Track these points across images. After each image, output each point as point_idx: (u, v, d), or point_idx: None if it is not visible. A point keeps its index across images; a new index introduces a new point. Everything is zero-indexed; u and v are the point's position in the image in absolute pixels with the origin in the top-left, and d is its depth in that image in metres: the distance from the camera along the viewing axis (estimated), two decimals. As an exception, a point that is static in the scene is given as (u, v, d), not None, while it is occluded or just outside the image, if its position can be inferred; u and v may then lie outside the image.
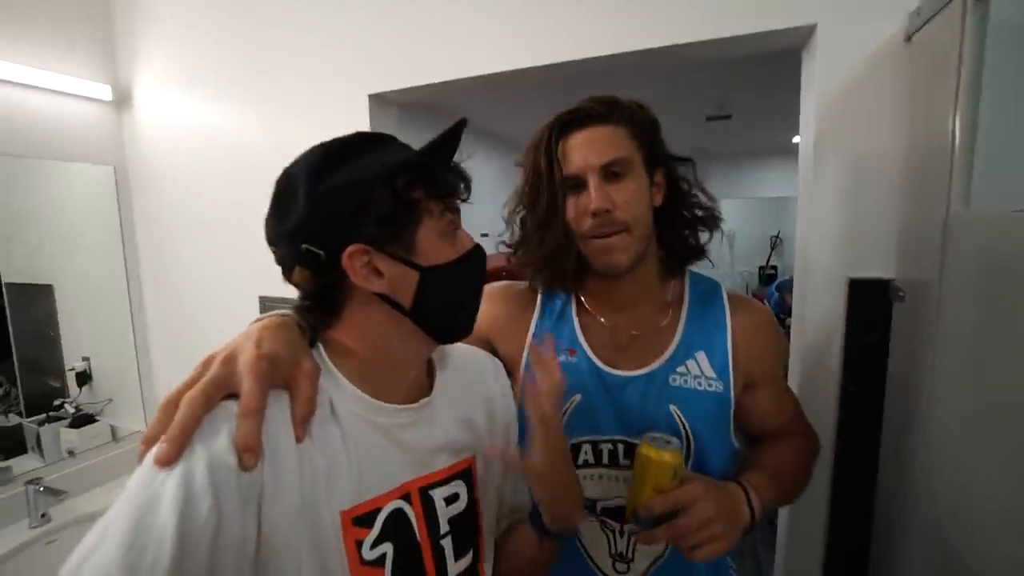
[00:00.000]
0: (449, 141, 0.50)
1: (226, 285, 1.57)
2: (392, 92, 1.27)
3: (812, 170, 0.93)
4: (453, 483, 0.56)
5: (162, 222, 1.68)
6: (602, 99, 0.68)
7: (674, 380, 0.67)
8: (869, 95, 0.88)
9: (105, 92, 1.60)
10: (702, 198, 0.73)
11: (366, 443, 0.49)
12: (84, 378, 1.71)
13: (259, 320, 0.51)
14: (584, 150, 0.65)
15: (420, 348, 0.54)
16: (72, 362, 1.67)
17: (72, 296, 1.65)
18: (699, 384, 0.67)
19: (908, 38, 0.83)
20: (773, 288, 4.24)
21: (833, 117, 0.91)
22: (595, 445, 0.68)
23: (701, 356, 0.68)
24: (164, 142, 1.62)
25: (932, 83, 0.77)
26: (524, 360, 0.71)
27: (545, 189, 0.67)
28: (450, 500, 0.55)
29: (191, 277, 1.65)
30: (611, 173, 0.65)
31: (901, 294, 0.82)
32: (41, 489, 1.41)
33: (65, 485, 1.50)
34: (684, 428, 0.66)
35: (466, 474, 0.58)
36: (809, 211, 0.95)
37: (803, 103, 0.99)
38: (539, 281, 0.74)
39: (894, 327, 0.86)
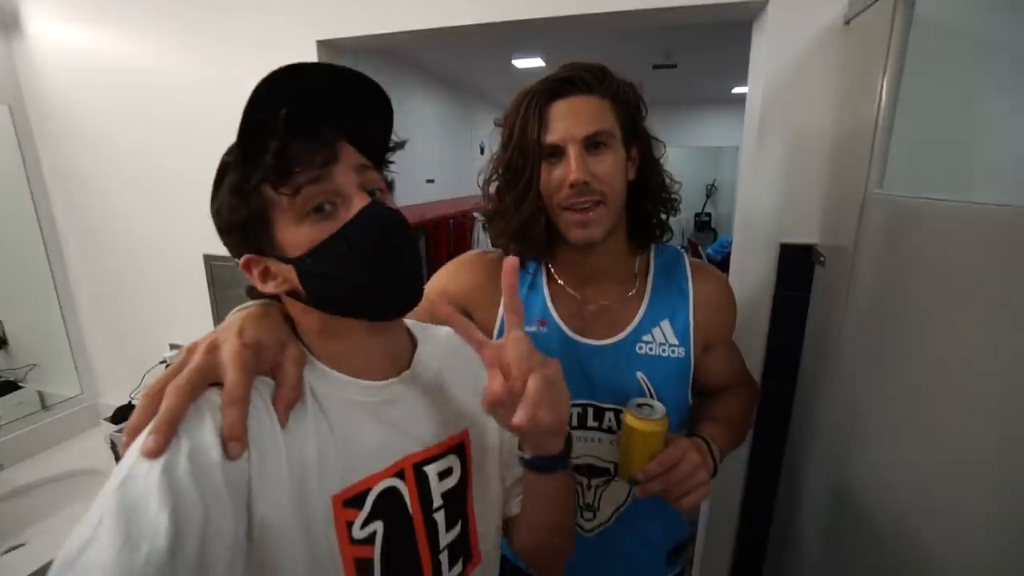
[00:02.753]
0: (274, 105, 0.43)
1: (165, 242, 1.46)
2: (342, 39, 1.19)
3: (755, 143, 1.01)
4: (447, 457, 0.55)
5: (80, 171, 1.50)
6: (589, 68, 0.67)
7: (640, 348, 0.73)
8: (810, 72, 0.95)
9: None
10: (666, 179, 0.75)
11: (352, 424, 0.49)
12: (-2, 343, 1.57)
13: (241, 309, 0.51)
14: (567, 120, 0.65)
15: (362, 330, 0.50)
16: (-20, 327, 1.52)
17: (-29, 255, 1.47)
18: (663, 351, 0.73)
19: (847, 22, 0.89)
20: (711, 250, 5.10)
21: (777, 89, 0.98)
22: None
23: (665, 324, 0.73)
24: (74, 80, 1.42)
25: (863, 68, 0.85)
26: (497, 328, 0.75)
27: (524, 156, 0.67)
28: (444, 475, 0.55)
29: (122, 232, 1.52)
30: (592, 144, 0.65)
31: (822, 259, 0.94)
32: (-33, 462, 1.33)
33: (-5, 457, 1.41)
34: (650, 392, 0.72)
35: (459, 448, 0.57)
36: (750, 182, 1.04)
37: (751, 73, 1.05)
38: (511, 252, 0.75)
39: (814, 287, 0.99)
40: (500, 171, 0.72)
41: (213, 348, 0.44)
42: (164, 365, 1.52)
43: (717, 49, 3.09)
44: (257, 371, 0.45)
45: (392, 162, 0.56)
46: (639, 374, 0.72)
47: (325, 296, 0.48)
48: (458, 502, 0.57)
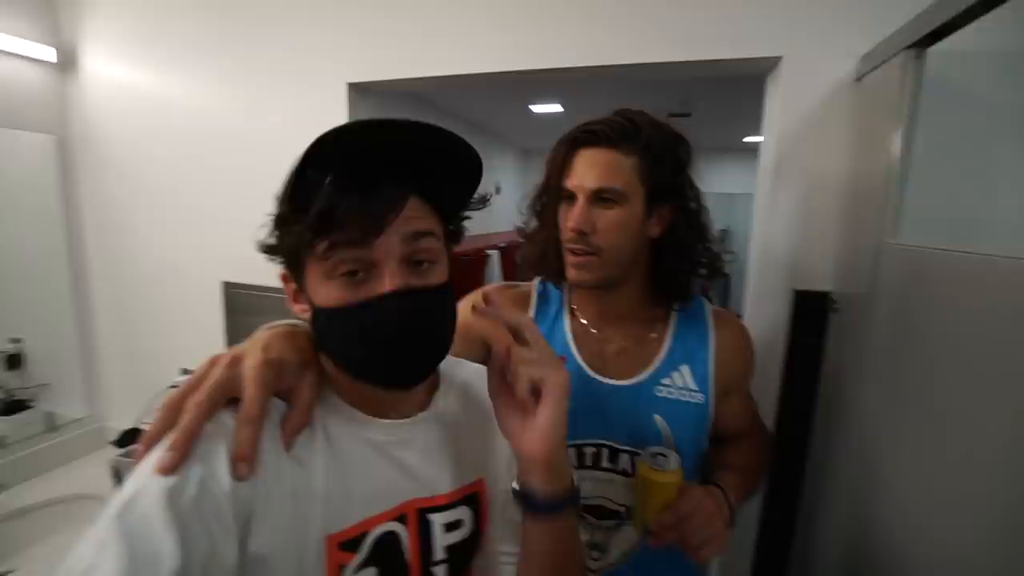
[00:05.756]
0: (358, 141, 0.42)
1: (186, 269, 1.51)
2: (372, 83, 1.26)
3: (769, 192, 1.03)
4: (457, 509, 0.52)
5: (113, 199, 1.57)
6: (620, 122, 0.68)
7: (659, 391, 0.72)
8: (823, 124, 0.97)
9: (48, 54, 1.46)
10: (707, 243, 0.74)
11: (360, 462, 0.47)
12: (15, 361, 1.59)
13: (271, 327, 0.50)
14: (583, 169, 0.68)
15: None
16: (1, 344, 1.55)
17: (1, 273, 1.52)
18: (682, 395, 0.72)
19: (859, 78, 0.93)
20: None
21: (790, 141, 1.00)
22: (579, 449, 0.72)
23: (685, 369, 0.73)
24: (115, 113, 1.51)
25: (875, 122, 0.87)
26: None
27: (548, 193, 0.73)
28: (452, 527, 0.51)
29: (148, 259, 1.57)
30: (601, 199, 0.67)
31: (836, 306, 0.94)
32: (-31, 481, 1.33)
33: (-1, 476, 1.41)
34: (667, 436, 0.71)
35: (472, 500, 0.53)
36: (764, 227, 1.05)
37: (765, 126, 1.08)
38: (532, 274, 0.81)
39: (829, 333, 0.98)
40: (532, 201, 0.78)
41: (236, 362, 0.44)
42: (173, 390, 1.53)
43: (730, 99, 3.19)
44: (276, 390, 0.44)
45: (468, 217, 0.53)
46: (657, 417, 0.72)
47: (332, 352, 0.47)
48: (464, 559, 0.53)
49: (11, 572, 1.22)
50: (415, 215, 0.45)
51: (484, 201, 0.52)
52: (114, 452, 1.47)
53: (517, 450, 0.47)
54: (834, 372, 0.96)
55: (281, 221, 0.45)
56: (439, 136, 0.44)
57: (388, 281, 0.43)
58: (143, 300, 1.60)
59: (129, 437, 1.53)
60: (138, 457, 0.40)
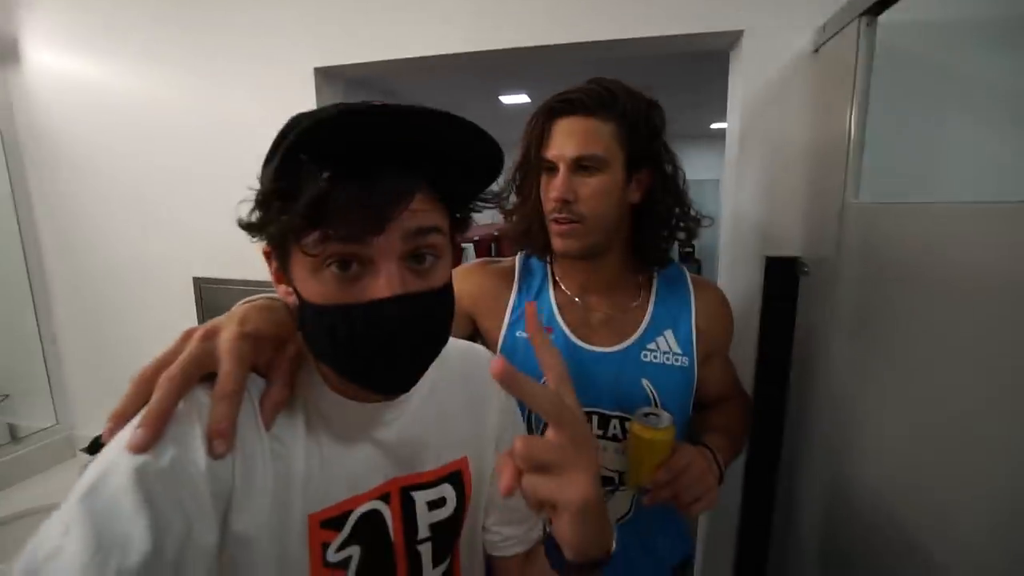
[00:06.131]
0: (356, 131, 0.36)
1: (153, 267, 1.45)
2: (340, 67, 1.23)
3: (736, 162, 1.06)
4: (440, 486, 0.51)
5: (68, 197, 1.50)
6: (596, 89, 0.68)
7: (645, 356, 0.74)
8: (784, 95, 1.01)
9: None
10: (684, 207, 0.75)
11: (342, 442, 0.46)
12: (-31, 374, 1.51)
13: (249, 300, 0.48)
14: (562, 138, 0.68)
15: None
16: (-49, 355, 1.47)
17: (-49, 281, 1.44)
18: (667, 359, 0.74)
19: (816, 49, 0.96)
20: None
21: (754, 113, 1.04)
22: None
23: (669, 333, 0.75)
24: (65, 106, 1.44)
25: (833, 90, 0.91)
26: (503, 337, 0.76)
27: (528, 166, 0.73)
28: (435, 504, 0.51)
29: (110, 258, 1.50)
30: (582, 166, 0.68)
31: (806, 269, 0.98)
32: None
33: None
34: (655, 399, 0.73)
35: (455, 478, 0.53)
36: (734, 198, 1.08)
37: (730, 99, 1.11)
38: (517, 249, 0.81)
39: (800, 296, 1.03)
40: (513, 175, 0.77)
41: (211, 335, 0.41)
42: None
43: (695, 85, 3.26)
44: (253, 364, 0.42)
45: (478, 210, 0.49)
46: (644, 381, 0.73)
47: (315, 348, 0.43)
48: (449, 536, 0.53)
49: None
50: (421, 208, 0.40)
51: (498, 197, 0.49)
52: (85, 459, 1.42)
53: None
54: (806, 334, 1.01)
55: (265, 203, 0.39)
56: (458, 127, 0.39)
57: (385, 284, 0.39)
58: (108, 301, 1.54)
59: (100, 444, 1.47)
60: (107, 435, 0.38)
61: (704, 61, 1.63)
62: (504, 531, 0.57)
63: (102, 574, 0.31)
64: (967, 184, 0.84)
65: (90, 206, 1.49)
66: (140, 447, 0.35)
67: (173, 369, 0.39)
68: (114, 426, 0.38)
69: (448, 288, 0.44)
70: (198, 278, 1.40)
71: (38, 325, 1.58)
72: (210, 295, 1.42)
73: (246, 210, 0.41)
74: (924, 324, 0.64)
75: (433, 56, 1.17)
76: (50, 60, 1.42)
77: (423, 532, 0.50)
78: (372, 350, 0.40)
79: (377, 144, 0.37)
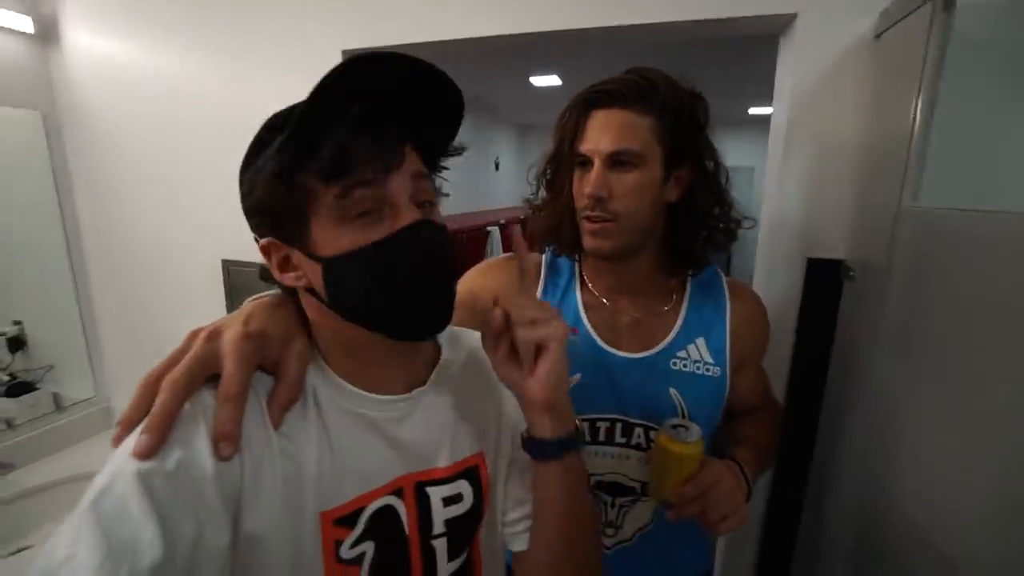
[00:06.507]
0: (333, 96, 0.39)
1: (184, 247, 1.48)
2: (369, 49, 1.20)
3: (781, 156, 1.00)
4: (456, 483, 0.51)
5: (105, 176, 1.53)
6: (635, 80, 0.64)
7: (675, 364, 0.70)
8: (838, 86, 0.94)
9: (24, 23, 1.40)
10: (725, 208, 0.70)
11: (352, 438, 0.46)
12: (17, 343, 1.58)
13: (256, 298, 0.48)
14: (597, 132, 0.65)
15: (383, 344, 0.46)
16: (2, 327, 1.54)
17: (-3, 256, 1.50)
18: (698, 369, 0.70)
19: (878, 36, 0.88)
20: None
21: (804, 105, 0.97)
22: (592, 423, 0.71)
23: (700, 342, 0.71)
24: (103, 87, 1.46)
25: (895, 81, 0.84)
26: None
27: (560, 160, 0.70)
28: (451, 500, 0.51)
29: (143, 237, 1.54)
30: (617, 162, 0.64)
31: (852, 274, 0.92)
32: (-19, 462, 1.33)
33: (7, 458, 1.41)
34: (683, 410, 0.70)
35: (472, 473, 0.53)
36: (777, 193, 1.02)
37: (777, 88, 1.04)
38: (545, 246, 0.78)
39: (843, 302, 0.97)
40: (544, 169, 0.74)
41: (215, 336, 0.42)
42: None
43: (734, 69, 3.10)
44: (259, 365, 0.42)
45: (447, 167, 0.52)
46: (672, 390, 0.70)
47: (349, 304, 0.44)
48: (466, 533, 0.52)
49: (30, 547, 1.25)
50: (415, 159, 0.45)
51: (461, 150, 0.52)
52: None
53: (519, 397, 0.49)
54: (848, 341, 0.95)
55: (285, 169, 0.41)
56: (435, 75, 0.43)
57: (406, 215, 0.43)
58: (142, 278, 1.58)
59: (135, 417, 1.54)
60: (116, 441, 0.38)
61: (744, 42, 1.53)
62: (519, 512, 0.57)
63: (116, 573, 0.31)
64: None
65: (125, 187, 1.52)
66: (145, 453, 0.36)
67: (176, 372, 0.39)
68: (122, 432, 0.38)
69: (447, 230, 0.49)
70: (226, 260, 1.42)
71: (78, 301, 1.64)
72: (237, 276, 1.44)
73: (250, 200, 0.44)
74: (979, 343, 0.59)
75: (463, 40, 1.13)
76: (88, 41, 1.44)
77: (438, 528, 0.50)
78: (406, 277, 0.43)
79: (386, 91, 0.41)
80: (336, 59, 1.21)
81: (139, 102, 1.43)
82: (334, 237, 0.42)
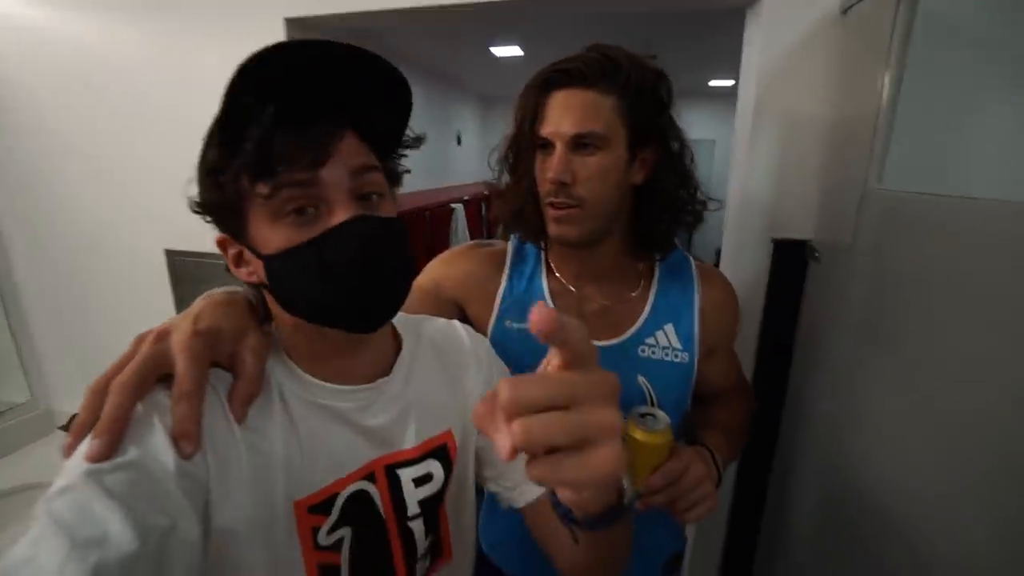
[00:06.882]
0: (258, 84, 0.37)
1: (123, 236, 1.37)
2: (315, 17, 1.10)
3: (748, 135, 0.98)
4: (425, 462, 0.52)
5: (27, 163, 1.38)
6: (596, 58, 0.61)
7: (643, 351, 0.70)
8: (805, 61, 0.92)
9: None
10: (691, 189, 0.68)
11: (319, 429, 0.46)
12: (-68, 348, 1.44)
13: (208, 295, 0.47)
14: (558, 113, 0.61)
15: (337, 335, 0.45)
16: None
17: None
18: (666, 355, 0.70)
19: (844, 11, 0.87)
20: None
21: (771, 79, 0.95)
22: None
23: (669, 328, 0.70)
24: (19, 61, 1.29)
25: (861, 59, 0.83)
26: (493, 325, 0.71)
27: (521, 144, 0.66)
28: (422, 480, 0.51)
29: (77, 228, 1.41)
30: (580, 144, 0.61)
31: (817, 255, 0.92)
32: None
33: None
34: (651, 397, 0.69)
35: (441, 452, 0.53)
36: (743, 173, 1.01)
37: (743, 65, 1.02)
38: (509, 233, 0.74)
39: (808, 283, 0.98)
40: (505, 153, 0.70)
41: (163, 336, 0.41)
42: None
43: (696, 39, 3.07)
44: (212, 361, 0.42)
45: (404, 155, 0.50)
46: (640, 378, 0.69)
47: (291, 301, 0.44)
48: (438, 508, 0.54)
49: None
50: (357, 150, 0.43)
51: (419, 141, 0.50)
52: (65, 437, 1.38)
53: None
54: (812, 321, 0.97)
55: (214, 168, 0.41)
56: (373, 62, 0.41)
57: (341, 212, 0.41)
58: (75, 273, 1.45)
59: (79, 421, 1.43)
60: (67, 450, 0.37)
61: (707, 14, 1.50)
62: (513, 478, 0.57)
63: (80, 570, 0.31)
64: (1007, 173, 0.77)
65: (51, 173, 1.38)
66: (97, 456, 0.35)
67: (125, 374, 0.38)
68: (74, 440, 0.37)
69: (401, 222, 0.46)
70: (170, 250, 1.32)
71: (2, 299, 1.50)
72: (183, 267, 1.34)
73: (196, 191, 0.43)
74: (940, 325, 0.60)
75: (418, 8, 1.05)
76: (3, 8, 1.26)
77: (413, 509, 0.51)
78: (341, 275, 0.41)
79: (307, 82, 0.39)
80: (278, 29, 1.11)
81: (63, 80, 1.29)
82: (270, 235, 0.41)
